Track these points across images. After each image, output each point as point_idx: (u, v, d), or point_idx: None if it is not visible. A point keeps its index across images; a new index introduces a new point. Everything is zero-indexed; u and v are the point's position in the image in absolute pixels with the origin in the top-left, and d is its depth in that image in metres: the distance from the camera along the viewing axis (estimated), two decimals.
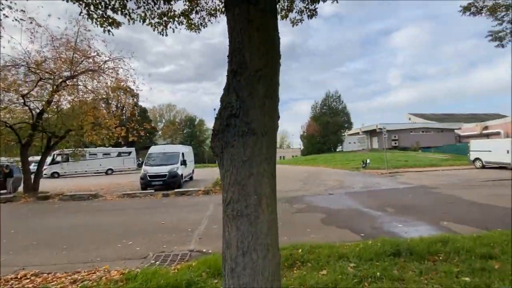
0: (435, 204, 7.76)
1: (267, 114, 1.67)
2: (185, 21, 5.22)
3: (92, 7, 4.45)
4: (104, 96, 15.89)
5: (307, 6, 4.84)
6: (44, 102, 12.74)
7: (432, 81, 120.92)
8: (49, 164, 24.23)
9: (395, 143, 37.49)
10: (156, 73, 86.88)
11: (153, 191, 12.37)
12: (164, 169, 13.58)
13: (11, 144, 13.52)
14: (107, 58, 13.84)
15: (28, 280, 3.80)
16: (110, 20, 5.34)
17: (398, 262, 3.46)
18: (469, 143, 19.88)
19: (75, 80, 13.61)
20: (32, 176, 13.44)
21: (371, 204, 8.12)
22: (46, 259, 4.74)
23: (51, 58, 12.89)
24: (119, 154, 28.75)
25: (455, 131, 40.59)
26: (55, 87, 12.54)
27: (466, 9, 7.92)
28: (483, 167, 17.80)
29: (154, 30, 5.27)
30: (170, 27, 5.23)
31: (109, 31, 5.66)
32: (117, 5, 4.42)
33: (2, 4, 6.83)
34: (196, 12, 5.15)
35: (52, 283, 3.64)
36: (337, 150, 42.70)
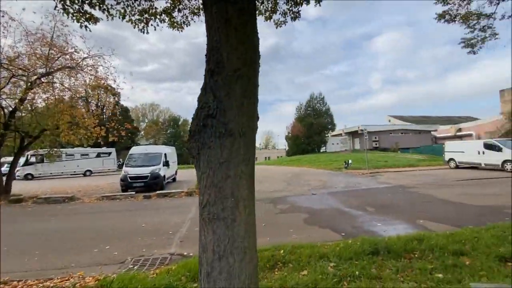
0: (412, 203, 8.06)
1: (245, 114, 1.65)
2: (167, 19, 5.10)
3: (68, 1, 4.25)
4: (82, 95, 15.26)
5: (290, 8, 4.88)
6: (17, 100, 12.05)
7: (410, 85, 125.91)
8: (23, 165, 22.93)
9: (376, 144, 38.66)
10: (139, 71, 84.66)
11: (134, 193, 11.99)
12: (145, 170, 13.21)
13: None
14: (85, 55, 13.31)
15: None
16: (87, 16, 5.13)
17: (376, 261, 3.54)
18: (444, 144, 20.86)
19: (50, 77, 12.96)
20: (4, 178, 12.69)
21: (352, 204, 8.31)
22: (16, 266, 4.46)
23: (25, 54, 12.23)
24: (98, 155, 27.67)
25: (432, 132, 42.48)
26: (29, 84, 11.89)
27: (441, 16, 8.29)
28: (457, 167, 18.72)
29: (134, 27, 5.11)
30: (152, 25, 5.09)
31: (86, 26, 5.44)
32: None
33: None
34: (179, 10, 5.04)
35: None
36: (321, 150, 43.36)
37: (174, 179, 17.50)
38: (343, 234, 5.32)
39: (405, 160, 24.01)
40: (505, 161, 15.54)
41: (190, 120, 1.72)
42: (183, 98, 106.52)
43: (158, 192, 11.74)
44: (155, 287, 3.11)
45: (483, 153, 16.92)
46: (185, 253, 4.71)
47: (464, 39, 8.92)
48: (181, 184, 15.40)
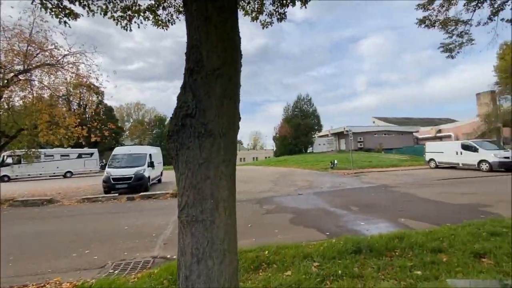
0: (394, 202, 8.29)
1: (225, 114, 1.62)
2: (151, 16, 4.99)
3: None
4: (64, 93, 14.68)
5: (276, 9, 4.90)
6: None
7: (394, 87, 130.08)
8: None
9: (361, 145, 39.55)
10: (124, 70, 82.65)
11: (117, 194, 11.66)
12: (129, 172, 12.86)
13: None
14: (66, 52, 12.81)
15: None
16: (67, 11, 4.94)
17: (359, 259, 3.60)
18: (425, 145, 21.62)
19: (28, 74, 12.41)
20: None
21: (337, 203, 8.43)
22: None
23: (2, 50, 11.63)
24: (80, 156, 26.65)
25: (413, 133, 43.94)
26: (5, 81, 11.32)
27: (421, 21, 8.58)
28: (437, 167, 19.44)
29: (117, 24, 4.97)
30: (135, 22, 4.97)
31: (65, 22, 5.24)
32: None
33: None
34: (164, 8, 4.95)
35: None
36: (308, 151, 43.87)
37: (159, 181, 17.16)
38: (327, 233, 5.38)
39: (389, 160, 24.69)
40: (480, 161, 16.29)
41: None
42: (169, 98, 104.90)
43: (142, 193, 11.47)
44: None
45: (461, 153, 17.67)
46: (168, 256, 4.61)
47: (443, 44, 9.27)
48: (167, 185, 15.13)
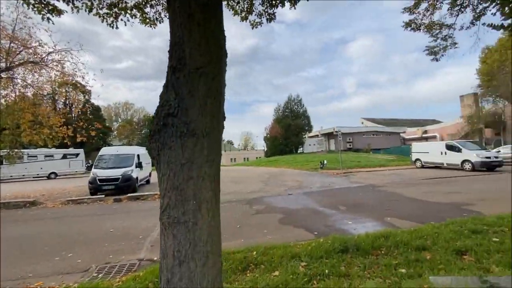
0: (381, 202, 8.43)
1: (209, 114, 1.59)
2: (138, 14, 4.90)
3: None
4: (48, 92, 14.24)
5: (266, 10, 4.90)
6: None
7: (382, 88, 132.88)
8: None
9: (350, 145, 40.17)
10: (112, 68, 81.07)
11: (103, 196, 11.38)
12: (116, 172, 12.58)
13: None
14: (51, 49, 12.43)
15: None
16: (50, 7, 4.80)
17: (345, 259, 3.63)
18: (411, 145, 22.15)
19: (11, 72, 11.96)
20: None
21: (326, 203, 8.51)
22: None
23: None
24: (65, 156, 25.87)
25: (401, 134, 44.99)
26: None
27: (407, 25, 8.77)
28: (423, 166, 19.94)
29: (102, 22, 4.86)
30: (122, 20, 4.87)
31: (48, 19, 5.09)
32: None
33: None
34: (151, 6, 4.86)
35: None
36: (298, 151, 44.20)
37: (148, 181, 16.88)
38: (316, 233, 5.42)
39: (376, 160, 25.15)
40: (464, 161, 16.82)
41: None
42: (159, 97, 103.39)
43: (129, 195, 11.24)
44: None
45: (445, 153, 18.20)
46: (155, 258, 4.52)
47: (428, 47, 9.51)
48: (155, 186, 14.89)
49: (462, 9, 7.53)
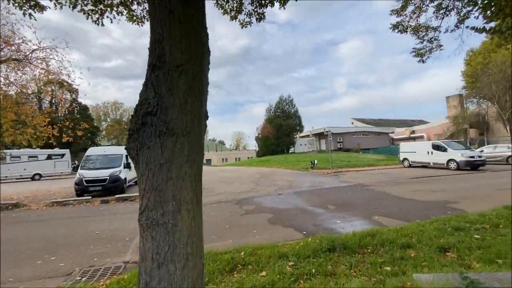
0: (369, 200, 8.55)
1: (189, 113, 1.56)
2: (125, 11, 4.79)
3: None
4: (34, 90, 13.81)
5: (255, 9, 4.88)
6: None
7: (371, 89, 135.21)
8: None
9: (340, 145, 40.64)
10: (101, 67, 79.39)
11: (90, 197, 11.11)
12: (104, 173, 12.31)
13: None
14: (35, 47, 12.04)
15: None
16: (32, 3, 4.65)
17: (332, 258, 3.66)
18: (399, 145, 22.60)
19: None
20: None
21: (315, 203, 8.57)
22: None
23: None
24: (49, 157, 25.10)
25: (389, 134, 45.84)
26: None
27: (395, 27, 8.94)
28: (410, 166, 20.38)
29: (87, 18, 4.73)
30: (108, 17, 4.76)
31: (30, 15, 4.94)
32: None
33: None
34: (138, 3, 4.77)
35: None
36: (290, 151, 44.41)
37: (136, 182, 16.59)
38: (304, 232, 5.43)
39: (366, 160, 25.54)
40: (449, 160, 17.28)
41: None
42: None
43: (117, 196, 11.01)
44: None
45: (432, 153, 18.65)
46: None
47: (415, 49, 9.71)
48: None
49: (447, 12, 7.71)
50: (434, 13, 7.80)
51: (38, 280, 3.97)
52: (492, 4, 5.07)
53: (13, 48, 11.75)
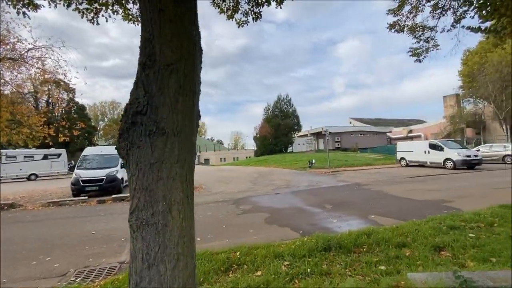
0: (366, 200, 8.58)
1: (180, 112, 1.55)
2: (121, 10, 4.76)
3: None
4: (30, 90, 13.73)
5: (252, 9, 4.87)
6: None
7: (369, 89, 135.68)
8: None
9: (338, 145, 40.70)
10: (99, 66, 78.98)
11: (86, 197, 11.06)
12: (100, 173, 12.25)
13: None
14: (31, 46, 11.96)
15: None
16: (26, 1, 4.61)
17: (328, 257, 3.66)
18: (396, 145, 22.68)
19: None
20: None
21: (312, 202, 8.58)
22: None
23: None
24: (46, 157, 24.90)
25: (387, 134, 45.97)
26: None
27: (391, 26, 8.96)
28: (407, 165, 20.46)
29: (82, 17, 4.70)
30: (103, 16, 4.73)
31: (24, 13, 4.89)
32: None
33: None
34: (134, 2, 4.74)
35: None
36: (288, 151, 44.41)
37: None
38: (301, 232, 5.44)
39: (363, 159, 25.61)
40: (446, 159, 17.37)
41: None
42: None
43: (114, 196, 10.96)
44: None
45: (428, 152, 18.74)
46: None
47: (411, 48, 9.74)
48: None
49: (444, 12, 7.74)
50: (430, 12, 7.82)
51: (33, 281, 3.94)
52: (488, 4, 5.09)
53: (8, 47, 11.66)
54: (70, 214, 8.66)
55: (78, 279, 3.85)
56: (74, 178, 12.09)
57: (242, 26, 5.15)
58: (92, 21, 4.75)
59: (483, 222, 4.77)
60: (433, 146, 18.52)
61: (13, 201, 10.87)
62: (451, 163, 16.91)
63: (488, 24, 5.65)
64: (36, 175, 24.24)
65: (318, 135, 44.31)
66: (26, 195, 13.18)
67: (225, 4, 4.90)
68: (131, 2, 4.70)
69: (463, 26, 7.66)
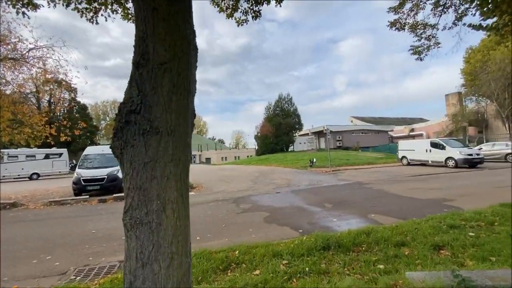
0: (367, 199, 8.55)
1: (174, 111, 1.54)
2: (120, 9, 4.76)
3: None
4: (32, 90, 13.79)
5: (251, 7, 4.85)
6: None
7: (371, 87, 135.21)
8: None
9: (339, 143, 40.62)
10: (100, 66, 79.21)
11: (87, 197, 11.11)
12: (102, 172, 12.31)
13: None
14: (32, 46, 12.00)
15: None
16: (25, 1, 4.61)
17: (327, 256, 3.66)
18: (398, 143, 22.58)
19: None
20: None
21: (313, 201, 8.57)
22: None
23: None
24: (47, 156, 25.03)
25: (388, 132, 45.81)
26: None
27: (392, 24, 8.90)
28: (409, 164, 20.38)
29: (82, 17, 4.71)
30: (102, 15, 4.73)
31: (23, 13, 4.90)
32: None
33: None
34: (133, 1, 4.73)
35: None
36: (289, 149, 44.39)
37: None
38: (300, 231, 5.43)
39: (365, 158, 25.55)
40: (447, 158, 17.28)
41: None
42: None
43: (115, 195, 11.01)
44: None
45: (430, 151, 18.65)
46: None
47: (412, 47, 9.68)
48: None
49: (445, 10, 7.67)
50: (432, 10, 7.76)
51: (33, 279, 3.97)
52: (489, 1, 5.05)
53: (9, 47, 11.71)
54: (71, 213, 8.70)
55: (78, 277, 3.87)
56: (75, 178, 12.15)
57: (242, 25, 5.13)
58: (92, 20, 4.75)
59: (483, 221, 4.75)
60: (434, 145, 18.43)
61: (15, 200, 10.93)
62: (453, 161, 16.82)
63: (489, 21, 5.60)
64: (38, 175, 24.38)
65: (319, 134, 44.23)
66: (28, 195, 13.26)
67: (224, 3, 4.89)
68: (130, 1, 4.70)
69: (464, 24, 7.60)
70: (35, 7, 4.64)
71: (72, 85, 14.42)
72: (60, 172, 25.93)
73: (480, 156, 16.84)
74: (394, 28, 9.01)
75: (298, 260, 3.52)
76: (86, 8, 4.63)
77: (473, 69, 32.57)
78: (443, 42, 8.42)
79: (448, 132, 35.69)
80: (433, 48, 8.75)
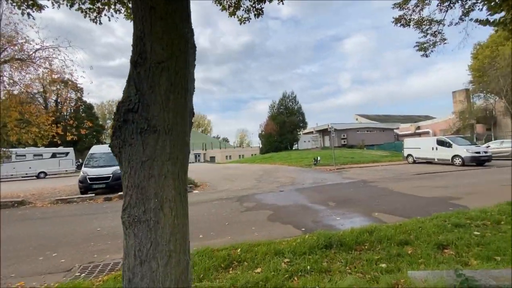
0: (371, 197, 8.49)
1: (171, 110, 1.55)
2: (123, 9, 4.79)
3: None
4: (39, 90, 14.01)
5: (253, 5, 4.83)
6: None
7: (375, 85, 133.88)
8: None
9: (344, 141, 40.34)
10: (105, 66, 79.95)
11: (93, 195, 11.27)
12: (107, 171, 12.46)
13: None
14: (38, 46, 12.18)
15: None
16: (30, 2, 4.67)
17: (328, 254, 3.64)
18: (403, 141, 22.33)
19: None
20: None
21: (316, 199, 8.54)
22: None
23: None
24: (54, 155, 25.45)
25: (394, 130, 45.29)
26: None
27: (397, 20, 8.77)
28: (414, 162, 20.15)
29: (85, 17, 4.75)
30: (105, 15, 4.77)
31: (29, 14, 4.97)
32: None
33: None
34: None
35: None
36: (293, 148, 44.26)
37: None
38: (303, 229, 5.42)
39: (370, 156, 25.34)
40: (454, 156, 17.03)
41: None
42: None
43: (120, 193, 11.13)
44: None
45: (436, 149, 18.39)
46: None
47: (418, 43, 9.53)
48: None
49: (451, 5, 7.53)
50: (437, 6, 7.62)
51: (39, 276, 4.04)
52: None
53: (16, 47, 11.90)
54: (77, 211, 8.83)
55: (83, 274, 3.94)
56: (81, 176, 12.33)
57: (244, 23, 5.12)
58: (95, 20, 4.79)
59: (489, 220, 4.67)
60: (441, 143, 18.17)
61: (23, 198, 11.15)
62: (460, 159, 16.58)
63: (497, 16, 5.48)
64: (45, 173, 24.81)
65: (323, 132, 44.01)
66: (36, 193, 13.50)
67: (226, 1, 4.88)
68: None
69: (471, 19, 7.45)
70: (40, 8, 4.70)
71: (78, 85, 14.62)
72: (66, 170, 26.35)
73: (487, 154, 16.54)
74: (399, 25, 8.88)
75: (299, 259, 3.52)
76: (90, 8, 4.67)
77: (481, 65, 31.94)
78: (449, 38, 8.27)
79: (455, 130, 35.13)
80: (439, 44, 8.60)
